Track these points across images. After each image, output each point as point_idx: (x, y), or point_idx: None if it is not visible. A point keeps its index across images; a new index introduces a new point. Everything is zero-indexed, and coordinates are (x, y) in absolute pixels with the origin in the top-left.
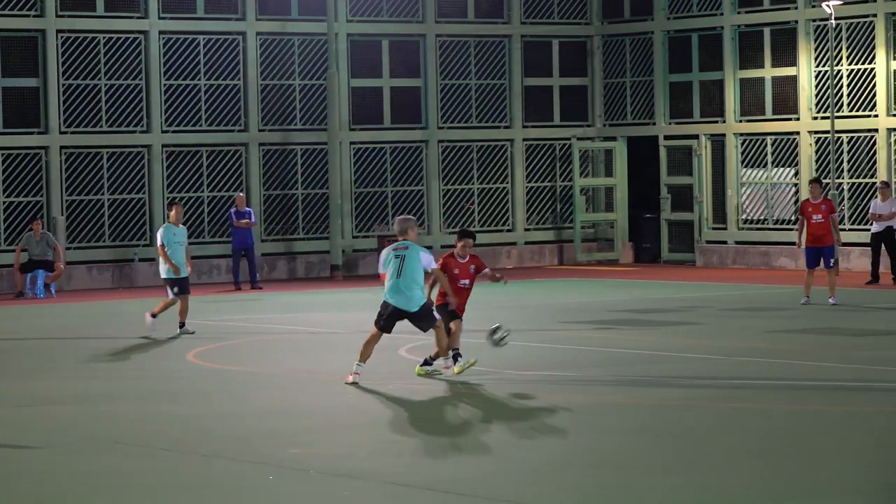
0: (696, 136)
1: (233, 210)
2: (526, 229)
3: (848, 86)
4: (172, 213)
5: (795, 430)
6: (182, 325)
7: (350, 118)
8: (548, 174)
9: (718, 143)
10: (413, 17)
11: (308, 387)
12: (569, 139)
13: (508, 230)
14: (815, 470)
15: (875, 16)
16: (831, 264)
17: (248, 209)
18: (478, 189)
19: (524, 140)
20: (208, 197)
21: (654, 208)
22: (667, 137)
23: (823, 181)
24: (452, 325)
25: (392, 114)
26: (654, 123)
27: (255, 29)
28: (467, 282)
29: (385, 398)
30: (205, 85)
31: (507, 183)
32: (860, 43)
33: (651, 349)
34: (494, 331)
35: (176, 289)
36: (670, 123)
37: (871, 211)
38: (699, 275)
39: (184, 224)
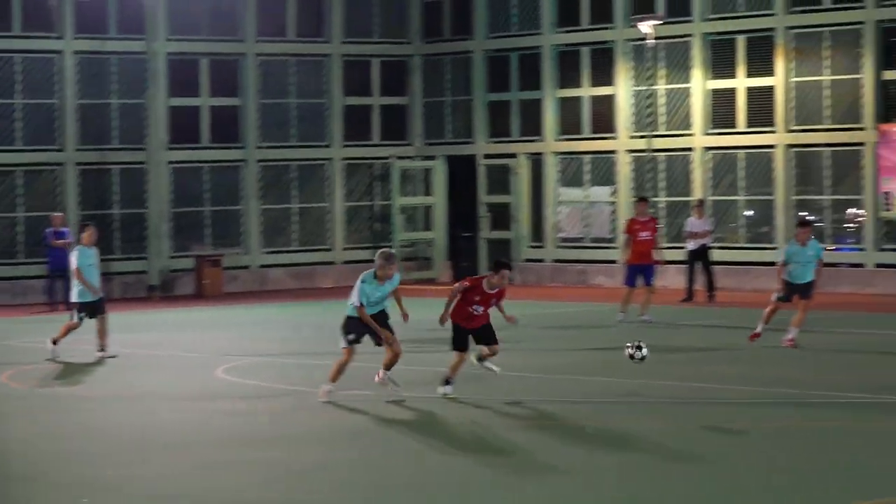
0: (515, 155)
1: (49, 230)
2: (344, 248)
3: (665, 105)
4: (86, 234)
5: (610, 446)
6: (102, 348)
7: (168, 137)
8: (367, 193)
9: (537, 161)
10: (232, 36)
11: (118, 406)
12: (388, 158)
13: (327, 249)
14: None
15: (692, 36)
16: (651, 283)
17: (65, 229)
18: (297, 209)
19: (343, 159)
20: (23, 217)
21: (474, 227)
22: (486, 156)
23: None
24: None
25: (211, 133)
26: (473, 142)
27: (73, 47)
28: (481, 308)
29: (202, 418)
30: (21, 104)
31: (327, 202)
32: (677, 63)
33: (466, 367)
34: (639, 347)
35: (83, 314)
36: (489, 142)
37: (686, 229)
38: (517, 293)
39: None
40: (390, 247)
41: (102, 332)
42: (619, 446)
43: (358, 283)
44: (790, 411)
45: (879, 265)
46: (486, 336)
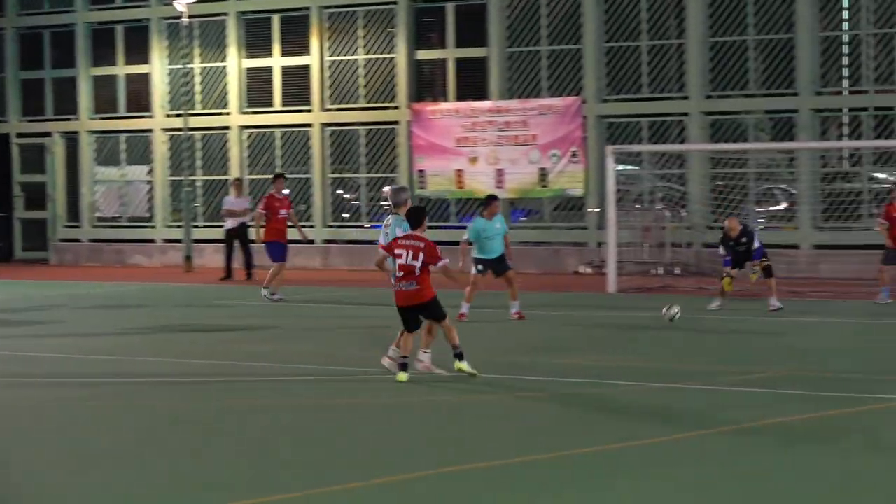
0: (50, 134)
1: None
2: None
3: (200, 83)
4: None
5: (146, 427)
6: None
7: None
8: None
9: (72, 140)
10: None
11: None
12: None
13: None
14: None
15: (227, 14)
16: (286, 259)
17: None
18: None
19: None
20: None
21: (8, 207)
22: (19, 135)
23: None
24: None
25: None
26: (7, 121)
27: None
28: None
29: None
30: None
31: None
32: (213, 41)
33: (8, 350)
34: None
35: None
36: (22, 121)
37: (224, 207)
38: (54, 273)
39: None
40: None
41: None
42: (145, 423)
43: (397, 226)
44: (315, 387)
45: None
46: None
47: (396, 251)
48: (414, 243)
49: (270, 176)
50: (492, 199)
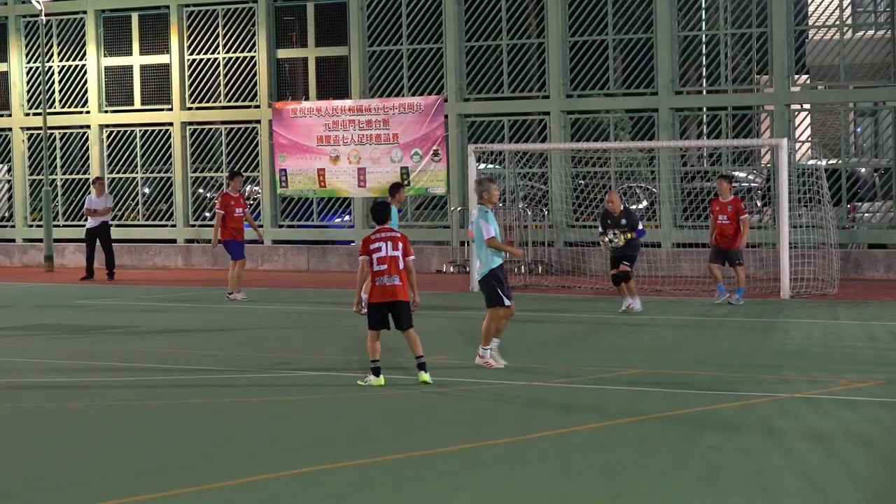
0: None
1: None
2: None
3: (60, 82)
4: None
5: None
6: None
7: None
8: None
9: None
10: None
11: None
12: None
13: None
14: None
15: (85, 13)
16: (244, 257)
17: None
18: None
19: None
20: None
21: None
22: None
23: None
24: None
25: None
26: None
27: None
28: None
29: None
30: None
31: None
32: (71, 39)
33: None
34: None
35: None
36: None
37: (86, 206)
38: None
39: None
40: None
41: None
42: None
43: (480, 217)
44: (176, 388)
45: (277, 241)
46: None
47: (373, 246)
48: (390, 234)
49: (131, 175)
50: (397, 186)
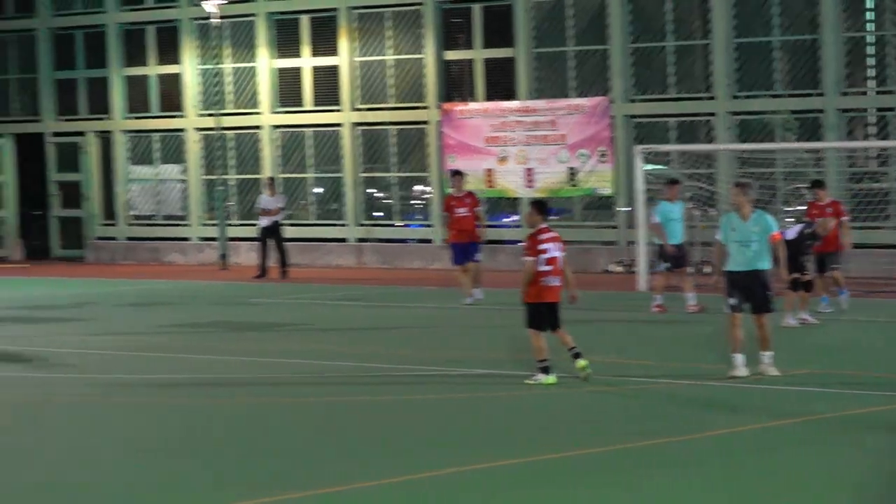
0: (83, 133)
1: None
2: None
3: (232, 84)
4: None
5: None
6: None
7: None
8: None
9: (106, 139)
10: None
11: None
12: None
13: None
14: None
15: (256, 15)
16: (475, 259)
17: None
18: None
19: None
20: None
21: (44, 205)
22: (54, 134)
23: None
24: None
25: None
26: (41, 120)
27: None
28: None
29: None
30: None
31: None
32: (243, 41)
33: (46, 346)
34: None
35: None
36: (57, 120)
37: (258, 206)
38: (91, 271)
39: None
40: None
41: None
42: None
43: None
44: (346, 384)
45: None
46: None
47: (541, 247)
48: (553, 235)
49: (302, 175)
50: (673, 182)
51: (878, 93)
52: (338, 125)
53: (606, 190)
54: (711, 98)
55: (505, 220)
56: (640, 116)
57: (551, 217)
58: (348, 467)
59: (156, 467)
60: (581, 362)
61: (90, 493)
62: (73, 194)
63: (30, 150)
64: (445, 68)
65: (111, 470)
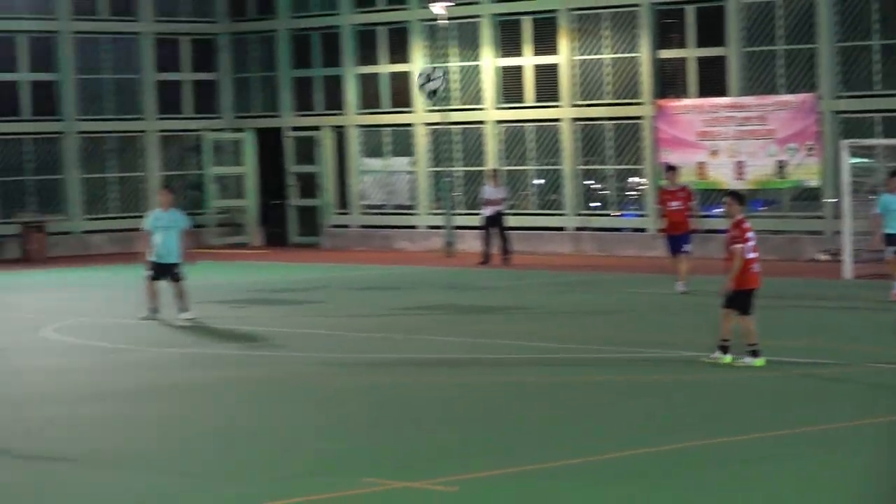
0: (319, 128)
1: None
2: None
3: (458, 81)
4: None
5: (425, 401)
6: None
7: None
8: (181, 163)
9: (340, 133)
10: (48, 15)
11: None
12: (199, 131)
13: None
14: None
15: (481, 16)
16: (685, 251)
17: None
18: (115, 178)
19: (158, 131)
20: None
21: (283, 195)
22: (292, 129)
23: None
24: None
25: (30, 106)
26: (280, 116)
27: None
28: None
29: (31, 374)
30: None
31: (143, 171)
32: (468, 41)
33: (283, 326)
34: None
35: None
36: (295, 116)
37: (482, 196)
38: (325, 256)
39: None
40: (202, 214)
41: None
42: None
43: None
44: (571, 367)
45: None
46: None
47: (748, 234)
48: (749, 224)
49: (523, 168)
50: (894, 174)
51: None
52: (557, 120)
53: (813, 182)
54: None
55: (716, 210)
56: (847, 112)
57: (760, 209)
58: (574, 442)
59: (383, 438)
60: (727, 358)
61: (355, 458)
62: (309, 185)
63: (269, 143)
64: (660, 66)
65: (357, 438)
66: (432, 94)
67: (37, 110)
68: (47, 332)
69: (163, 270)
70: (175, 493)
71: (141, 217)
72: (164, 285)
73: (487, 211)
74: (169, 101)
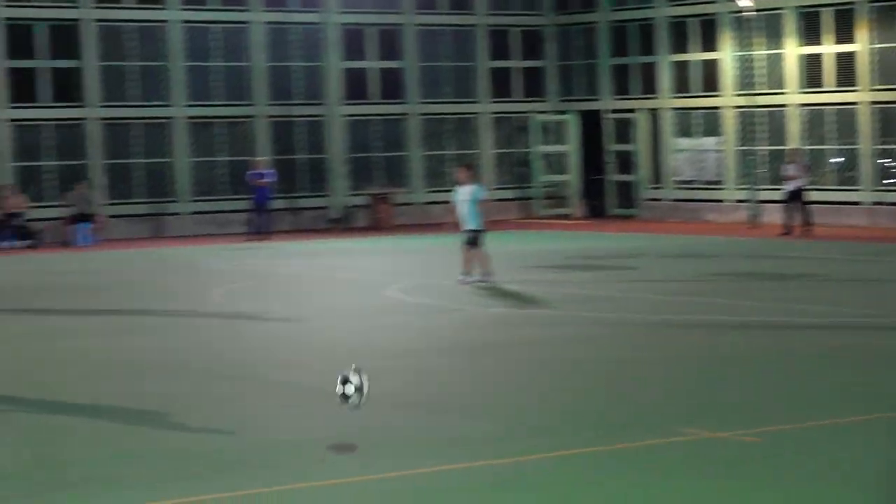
0: (634, 111)
1: (252, 172)
2: (493, 189)
3: (763, 68)
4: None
5: (731, 358)
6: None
7: (342, 94)
8: (510, 142)
9: (654, 115)
10: (394, 9)
11: (296, 325)
12: (527, 113)
13: None
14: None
15: (784, 8)
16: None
17: (265, 171)
18: (452, 155)
19: (491, 113)
20: (225, 161)
21: (602, 171)
22: (611, 111)
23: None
24: None
25: (379, 91)
26: (600, 100)
27: (261, 19)
28: None
29: (374, 330)
30: (218, 66)
31: (478, 149)
32: (772, 31)
33: (604, 291)
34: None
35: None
36: (613, 100)
37: (783, 172)
38: (640, 227)
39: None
40: (530, 187)
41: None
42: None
43: None
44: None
45: None
46: None
47: None
48: None
49: (823, 147)
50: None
51: None
52: (854, 104)
53: None
54: None
55: None
56: None
57: None
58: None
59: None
60: None
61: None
62: (625, 162)
63: (590, 124)
64: None
65: (675, 392)
66: (344, 398)
67: (384, 94)
68: (391, 291)
69: (466, 238)
70: (498, 439)
71: None
72: (486, 251)
73: (790, 186)
74: (500, 86)
